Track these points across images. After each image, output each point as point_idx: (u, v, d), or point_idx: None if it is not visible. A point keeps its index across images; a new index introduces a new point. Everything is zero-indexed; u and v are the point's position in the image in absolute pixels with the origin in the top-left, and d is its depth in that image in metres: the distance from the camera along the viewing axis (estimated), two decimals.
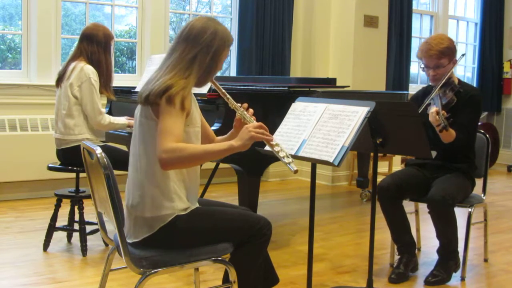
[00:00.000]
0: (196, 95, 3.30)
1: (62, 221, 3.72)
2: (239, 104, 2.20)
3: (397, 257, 3.24)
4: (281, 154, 2.10)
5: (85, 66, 3.41)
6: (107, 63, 3.50)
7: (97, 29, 3.50)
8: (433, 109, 2.89)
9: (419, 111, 2.95)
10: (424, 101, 3.06)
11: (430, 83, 3.27)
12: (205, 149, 2.00)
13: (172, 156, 1.90)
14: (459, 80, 3.19)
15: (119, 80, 5.25)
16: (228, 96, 2.20)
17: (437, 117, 2.84)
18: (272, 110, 3.36)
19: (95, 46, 3.47)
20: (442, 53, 3.05)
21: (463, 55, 3.38)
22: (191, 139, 2.08)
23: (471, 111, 3.08)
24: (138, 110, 2.10)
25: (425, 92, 3.26)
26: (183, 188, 2.08)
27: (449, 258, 3.08)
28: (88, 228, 3.53)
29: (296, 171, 2.06)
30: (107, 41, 3.50)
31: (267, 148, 2.39)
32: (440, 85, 3.04)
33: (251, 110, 2.22)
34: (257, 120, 2.15)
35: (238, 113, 2.20)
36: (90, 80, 3.38)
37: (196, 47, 2.07)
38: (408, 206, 3.27)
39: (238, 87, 3.90)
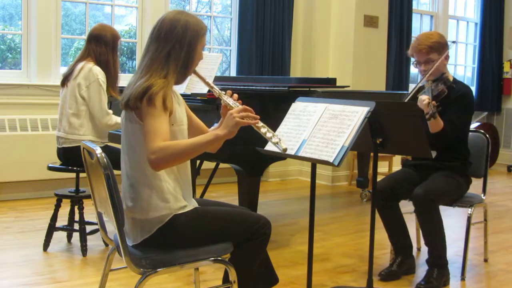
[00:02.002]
0: (196, 95, 3.33)
1: (62, 221, 3.72)
2: (223, 92, 2.17)
3: (392, 256, 3.26)
4: (269, 135, 2.07)
5: (94, 67, 3.42)
6: (114, 63, 3.52)
7: (105, 29, 3.52)
8: (424, 97, 2.89)
9: (407, 98, 3.00)
10: (413, 88, 3.08)
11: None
12: (191, 142, 1.97)
13: (161, 155, 1.88)
14: (453, 78, 3.20)
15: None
16: (211, 84, 2.18)
17: (427, 106, 2.84)
18: (272, 110, 3.36)
19: (103, 46, 3.48)
20: (431, 47, 3.07)
21: (453, 42, 3.39)
22: (177, 137, 2.06)
23: (460, 108, 3.07)
24: (123, 114, 2.09)
25: (419, 90, 3.25)
26: (177, 187, 2.07)
27: (436, 266, 3.02)
28: (88, 228, 3.53)
29: (285, 150, 2.04)
30: (114, 41, 3.53)
31: (268, 148, 2.39)
32: (430, 76, 3.06)
33: (235, 95, 2.17)
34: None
35: (223, 100, 2.15)
36: (98, 80, 3.39)
37: (168, 44, 2.04)
38: (408, 206, 3.27)
39: (238, 87, 3.90)
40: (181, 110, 2.13)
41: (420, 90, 3.11)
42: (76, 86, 3.40)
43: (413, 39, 6.94)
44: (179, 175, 2.09)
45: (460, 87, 3.13)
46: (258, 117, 2.06)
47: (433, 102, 2.87)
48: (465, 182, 3.17)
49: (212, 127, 2.27)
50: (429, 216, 2.96)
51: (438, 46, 3.08)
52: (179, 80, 2.10)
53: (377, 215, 2.78)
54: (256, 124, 2.05)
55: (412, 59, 3.21)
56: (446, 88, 3.02)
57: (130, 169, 2.05)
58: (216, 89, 2.17)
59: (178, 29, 2.04)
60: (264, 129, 2.07)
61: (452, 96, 3.06)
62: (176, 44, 2.04)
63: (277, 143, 2.05)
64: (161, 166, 1.93)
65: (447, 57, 3.13)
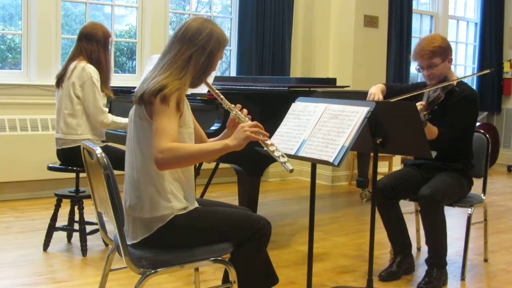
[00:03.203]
0: (196, 95, 3.33)
1: (62, 221, 3.72)
2: (233, 105, 2.19)
3: (391, 256, 3.26)
4: (277, 154, 2.08)
5: (87, 65, 3.42)
6: (106, 61, 3.53)
7: (96, 28, 3.52)
8: (418, 104, 2.89)
9: (401, 98, 3.01)
10: (413, 92, 3.09)
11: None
12: (200, 148, 2.00)
13: (168, 156, 1.90)
14: (458, 80, 3.19)
15: (119, 80, 5.25)
16: (221, 96, 2.19)
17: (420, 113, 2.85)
18: (272, 110, 3.36)
19: (94, 44, 3.48)
20: (433, 52, 3.04)
21: (490, 70, 3.36)
22: (185, 140, 2.08)
23: (461, 110, 3.06)
24: (132, 110, 2.10)
25: (417, 87, 3.24)
26: (179, 188, 2.08)
27: (436, 266, 3.02)
28: (88, 228, 3.53)
29: (291, 170, 2.05)
30: (106, 39, 3.53)
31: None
32: (433, 80, 3.07)
33: (245, 110, 2.21)
34: (257, 121, 2.14)
35: (233, 113, 2.19)
36: (92, 79, 3.39)
37: (192, 47, 2.07)
38: (408, 206, 3.27)
39: (238, 87, 3.90)
40: (189, 113, 2.15)
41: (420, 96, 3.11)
42: (71, 86, 3.39)
43: (413, 39, 7.02)
44: (182, 177, 2.09)
45: (463, 89, 3.11)
46: (268, 134, 2.10)
47: (424, 113, 2.89)
48: (467, 183, 3.18)
49: (213, 131, 2.27)
50: (435, 216, 2.96)
51: (441, 51, 3.06)
52: (194, 85, 2.13)
53: (377, 215, 2.78)
54: (265, 141, 2.08)
55: (415, 64, 3.18)
56: (443, 93, 3.02)
57: (134, 167, 2.06)
58: (226, 101, 2.18)
59: (203, 35, 2.08)
60: (272, 148, 2.10)
61: (454, 99, 3.06)
62: (199, 49, 2.07)
63: (284, 163, 2.07)
64: (166, 166, 1.94)
65: (450, 60, 3.12)
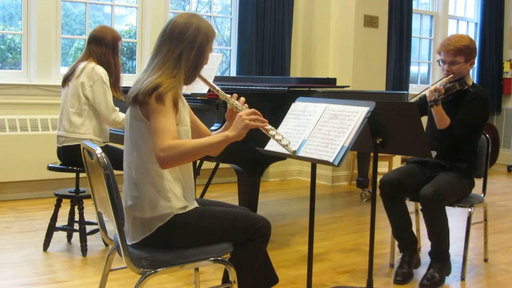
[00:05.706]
0: (196, 95, 3.33)
1: (62, 221, 3.72)
2: (229, 95, 2.19)
3: (398, 256, 3.24)
4: (278, 137, 2.10)
5: (96, 66, 3.44)
6: (116, 64, 3.55)
7: (105, 31, 3.55)
8: (432, 86, 2.99)
9: (418, 97, 3.13)
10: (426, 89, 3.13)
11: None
12: (201, 142, 2.00)
13: (170, 153, 1.90)
14: (473, 82, 3.22)
15: None
16: (217, 88, 2.19)
17: (433, 91, 2.94)
18: (272, 110, 3.36)
19: (103, 47, 3.51)
20: (460, 50, 3.09)
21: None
22: (182, 137, 2.08)
23: (472, 109, 3.10)
24: (128, 111, 2.11)
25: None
26: (179, 187, 2.08)
27: (439, 260, 3.04)
28: (88, 228, 3.53)
29: (294, 152, 2.07)
30: (115, 42, 3.55)
31: (268, 148, 2.39)
32: (449, 79, 3.11)
33: (242, 99, 2.19)
34: None
35: (229, 104, 2.18)
36: (102, 79, 3.42)
37: (180, 44, 2.07)
38: (408, 206, 3.26)
39: (238, 87, 3.90)
40: (185, 111, 2.15)
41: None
42: (79, 86, 3.41)
43: (413, 39, 7.02)
44: (181, 176, 2.10)
45: (476, 90, 3.16)
46: (267, 120, 2.10)
47: (441, 87, 2.95)
48: (469, 184, 3.18)
49: (214, 131, 2.27)
50: (437, 215, 2.97)
51: (467, 51, 3.11)
52: (188, 81, 2.13)
53: (377, 215, 2.77)
54: (265, 127, 2.08)
55: (439, 57, 3.23)
56: (458, 84, 3.05)
57: (133, 167, 2.06)
58: (222, 92, 2.18)
59: (190, 31, 2.08)
60: (272, 132, 2.10)
61: (467, 98, 3.11)
62: (188, 45, 2.07)
63: (286, 145, 2.08)
64: (169, 164, 1.95)
65: (471, 64, 3.17)
